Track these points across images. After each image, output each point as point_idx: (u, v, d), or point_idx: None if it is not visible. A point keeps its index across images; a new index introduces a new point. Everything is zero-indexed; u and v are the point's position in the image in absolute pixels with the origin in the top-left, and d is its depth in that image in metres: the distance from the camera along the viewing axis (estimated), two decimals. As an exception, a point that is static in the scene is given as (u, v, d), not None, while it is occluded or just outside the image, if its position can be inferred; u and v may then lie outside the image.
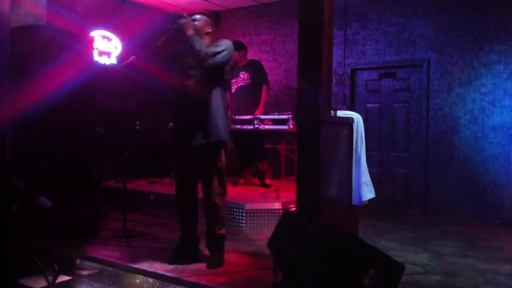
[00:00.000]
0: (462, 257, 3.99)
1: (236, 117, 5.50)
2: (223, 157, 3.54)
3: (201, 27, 3.52)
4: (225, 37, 7.64)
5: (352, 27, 6.58)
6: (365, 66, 6.52)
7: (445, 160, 5.90)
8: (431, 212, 5.96)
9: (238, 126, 5.41)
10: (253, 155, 5.99)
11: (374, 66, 6.44)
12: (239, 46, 6.01)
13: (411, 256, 3.94)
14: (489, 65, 5.64)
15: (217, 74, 3.46)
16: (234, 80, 6.00)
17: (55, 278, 3.37)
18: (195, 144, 3.40)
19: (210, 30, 3.58)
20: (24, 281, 3.45)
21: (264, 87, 5.93)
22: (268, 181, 5.89)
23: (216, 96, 3.46)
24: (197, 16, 3.58)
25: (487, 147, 5.64)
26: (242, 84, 5.97)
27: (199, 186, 3.62)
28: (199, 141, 3.40)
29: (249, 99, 5.90)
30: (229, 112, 5.95)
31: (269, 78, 7.07)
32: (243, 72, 5.97)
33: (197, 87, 3.43)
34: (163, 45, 3.63)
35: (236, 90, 5.99)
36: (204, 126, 3.40)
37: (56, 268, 3.42)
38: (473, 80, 5.74)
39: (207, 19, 3.61)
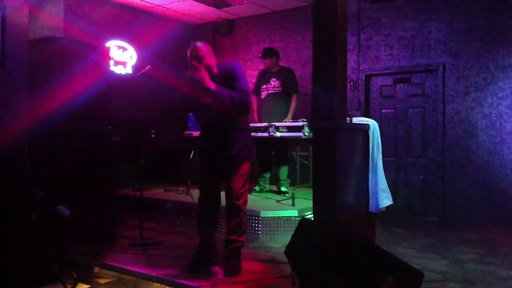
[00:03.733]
0: (481, 264, 3.92)
1: (251, 124, 5.49)
2: (249, 166, 3.61)
3: (209, 63, 3.40)
4: (239, 46, 7.77)
5: (365, 32, 6.57)
6: (380, 72, 6.48)
7: (462, 165, 5.83)
8: (448, 218, 5.88)
9: (253, 134, 5.40)
10: (274, 160, 5.97)
11: (388, 71, 6.40)
12: (270, 53, 6.00)
13: (429, 263, 3.89)
14: (506, 68, 5.57)
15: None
16: (264, 86, 6.00)
17: (74, 286, 3.40)
18: (223, 167, 3.54)
19: (215, 59, 3.47)
20: (44, 290, 3.50)
21: (294, 96, 5.90)
22: (285, 189, 5.88)
23: (242, 122, 3.55)
24: (201, 51, 3.38)
25: (505, 152, 5.56)
26: (272, 91, 5.95)
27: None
28: (227, 165, 3.52)
29: (278, 107, 5.88)
30: (257, 119, 5.96)
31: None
32: (274, 79, 5.95)
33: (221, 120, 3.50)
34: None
35: (265, 96, 5.99)
36: (232, 153, 3.50)
37: (75, 276, 3.45)
38: (490, 84, 5.67)
39: (209, 48, 3.45)
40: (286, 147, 6.00)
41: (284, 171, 5.96)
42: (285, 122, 5.49)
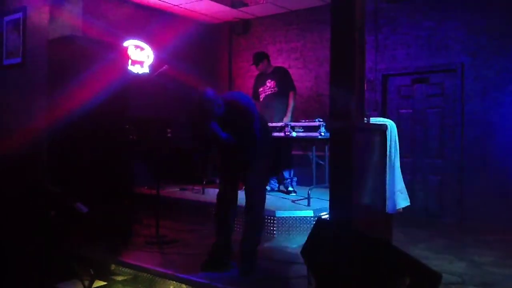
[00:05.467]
0: (500, 266, 3.86)
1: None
2: (267, 164, 3.62)
3: (216, 111, 3.41)
4: (255, 45, 7.76)
5: (382, 32, 6.51)
6: (397, 72, 6.42)
7: (481, 166, 5.74)
8: (466, 219, 5.80)
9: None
10: (280, 163, 6.00)
11: (406, 71, 6.34)
12: (260, 57, 6.09)
13: (447, 265, 3.84)
14: (526, 68, 5.48)
15: None
16: (261, 88, 6.05)
17: (91, 283, 3.44)
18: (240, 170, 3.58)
19: (220, 101, 3.45)
20: (61, 286, 3.54)
21: (291, 94, 5.96)
22: (291, 189, 5.90)
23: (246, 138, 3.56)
24: (206, 104, 3.37)
25: (525, 153, 5.47)
26: (269, 92, 6.01)
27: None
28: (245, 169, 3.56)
29: (277, 106, 5.93)
30: None
31: (299, 85, 7.05)
32: (269, 80, 6.01)
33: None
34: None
35: (264, 98, 6.03)
36: (249, 160, 3.53)
37: (92, 273, 3.49)
38: (509, 84, 5.58)
39: (212, 96, 3.40)
40: (291, 150, 6.04)
41: (289, 172, 5.99)
42: (285, 120, 5.60)
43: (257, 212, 3.53)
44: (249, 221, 3.56)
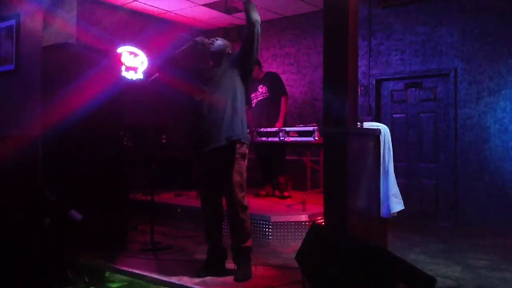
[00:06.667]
0: (496, 270, 3.87)
1: (262, 129, 5.52)
2: (244, 168, 3.53)
3: (226, 45, 3.72)
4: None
5: (376, 38, 6.55)
6: (391, 77, 6.46)
7: (475, 170, 5.77)
8: (461, 223, 5.82)
9: (263, 139, 5.42)
10: (273, 168, 6.01)
11: (399, 76, 6.38)
12: None
13: (442, 269, 3.85)
14: (519, 73, 5.52)
15: (245, 71, 3.60)
16: (253, 94, 6.05)
17: (85, 290, 3.43)
18: (214, 147, 3.42)
19: (230, 51, 3.74)
20: (56, 293, 3.52)
21: (283, 99, 5.97)
22: (286, 193, 5.91)
23: (235, 99, 3.50)
24: (219, 39, 3.76)
25: (518, 157, 5.50)
26: (261, 98, 6.02)
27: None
28: (218, 143, 3.41)
29: (270, 112, 5.95)
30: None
31: (293, 90, 7.08)
32: (261, 86, 6.02)
33: (215, 94, 3.51)
34: (180, 54, 3.73)
35: (256, 104, 6.03)
36: (223, 127, 3.41)
37: (87, 280, 3.47)
38: (503, 89, 5.62)
39: (227, 42, 3.79)
40: (284, 155, 6.04)
41: (283, 177, 6.00)
42: (278, 126, 5.60)
43: (243, 224, 3.49)
44: (236, 232, 3.52)
